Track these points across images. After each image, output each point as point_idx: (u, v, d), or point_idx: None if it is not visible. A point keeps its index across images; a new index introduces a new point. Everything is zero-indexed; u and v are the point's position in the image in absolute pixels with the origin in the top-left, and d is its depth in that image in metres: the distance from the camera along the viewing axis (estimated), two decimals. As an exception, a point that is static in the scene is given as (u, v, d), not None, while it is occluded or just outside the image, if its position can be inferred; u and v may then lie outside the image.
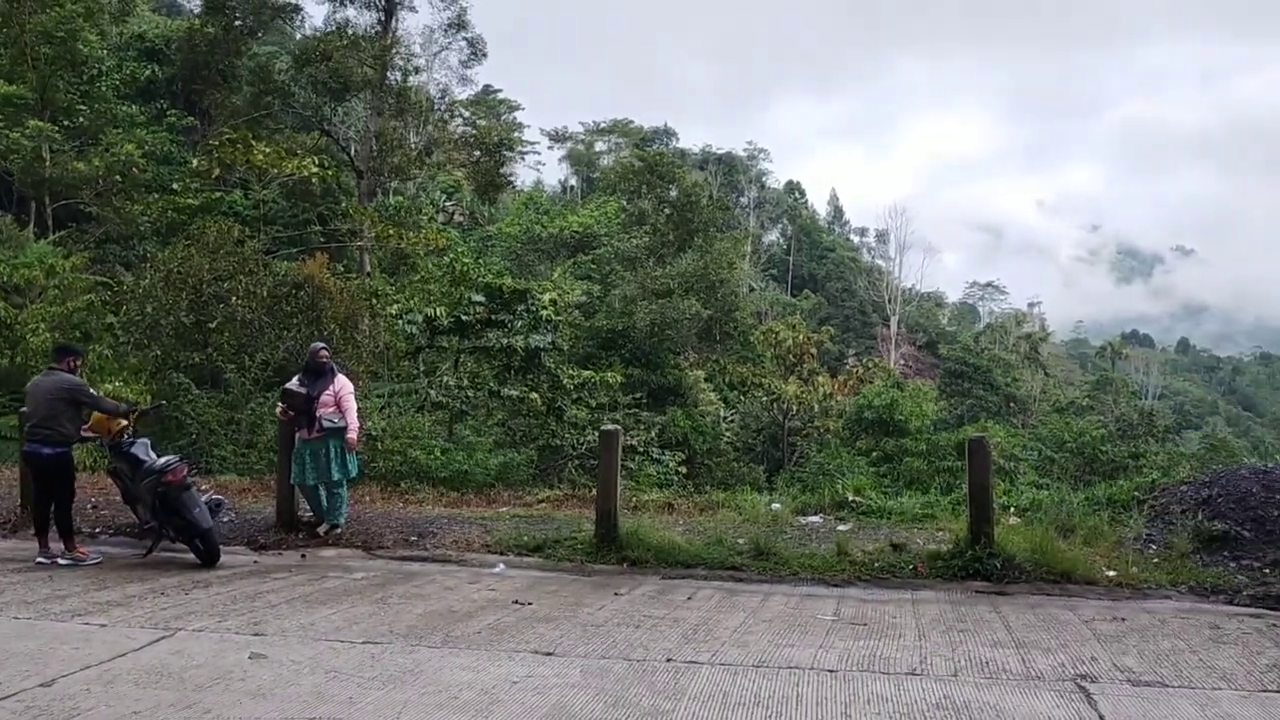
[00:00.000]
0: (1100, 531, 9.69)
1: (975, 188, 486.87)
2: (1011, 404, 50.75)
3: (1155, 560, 8.92)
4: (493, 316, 20.51)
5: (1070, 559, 8.54)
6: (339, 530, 10.11)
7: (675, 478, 21.40)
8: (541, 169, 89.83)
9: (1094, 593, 8.01)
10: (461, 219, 51.86)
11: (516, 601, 7.45)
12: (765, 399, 36.80)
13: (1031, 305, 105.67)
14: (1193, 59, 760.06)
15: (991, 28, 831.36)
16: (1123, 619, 7.10)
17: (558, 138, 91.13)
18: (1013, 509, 10.98)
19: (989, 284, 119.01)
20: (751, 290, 66.58)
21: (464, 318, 20.10)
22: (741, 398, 38.15)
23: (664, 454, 23.18)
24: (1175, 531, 9.34)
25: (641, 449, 22.33)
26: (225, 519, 10.18)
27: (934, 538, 9.79)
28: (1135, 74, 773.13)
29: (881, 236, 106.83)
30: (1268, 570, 8.48)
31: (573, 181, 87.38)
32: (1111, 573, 8.48)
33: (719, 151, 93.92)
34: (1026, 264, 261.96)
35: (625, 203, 44.59)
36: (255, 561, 9.15)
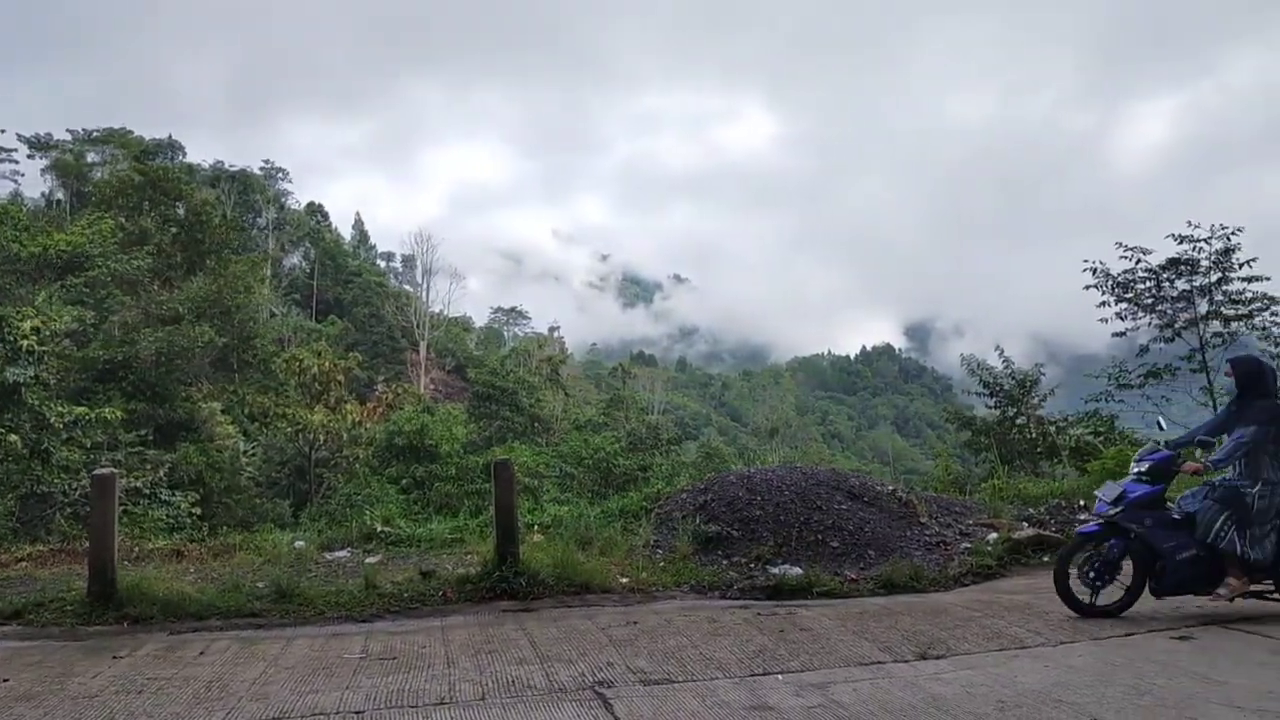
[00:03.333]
0: (615, 541, 10.45)
1: (498, 215, 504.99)
2: (536, 424, 53.21)
3: (662, 564, 9.76)
4: (-44, 348, 17.68)
5: (589, 570, 9.06)
6: None
7: (189, 520, 19.90)
8: (20, 180, 78.96)
9: (610, 600, 8.56)
10: (-86, 236, 43.91)
11: (-15, 681, 6.33)
12: (290, 430, 35.29)
13: (552, 329, 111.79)
14: (680, 107, 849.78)
15: (511, 64, 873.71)
16: (635, 622, 7.63)
17: (40, 146, 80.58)
18: (537, 526, 11.46)
19: (513, 309, 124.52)
20: (273, 315, 63.71)
21: (-83, 350, 17.09)
22: (264, 429, 36.42)
23: (174, 495, 21.51)
24: (678, 536, 10.33)
25: (148, 491, 20.49)
26: None
27: (463, 561, 9.90)
28: (635, 116, 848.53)
29: (408, 261, 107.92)
30: (752, 565, 9.65)
31: (59, 195, 77.55)
32: (625, 579, 9.13)
33: (233, 169, 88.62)
34: (545, 290, 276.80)
35: (124, 220, 40.56)
36: None
